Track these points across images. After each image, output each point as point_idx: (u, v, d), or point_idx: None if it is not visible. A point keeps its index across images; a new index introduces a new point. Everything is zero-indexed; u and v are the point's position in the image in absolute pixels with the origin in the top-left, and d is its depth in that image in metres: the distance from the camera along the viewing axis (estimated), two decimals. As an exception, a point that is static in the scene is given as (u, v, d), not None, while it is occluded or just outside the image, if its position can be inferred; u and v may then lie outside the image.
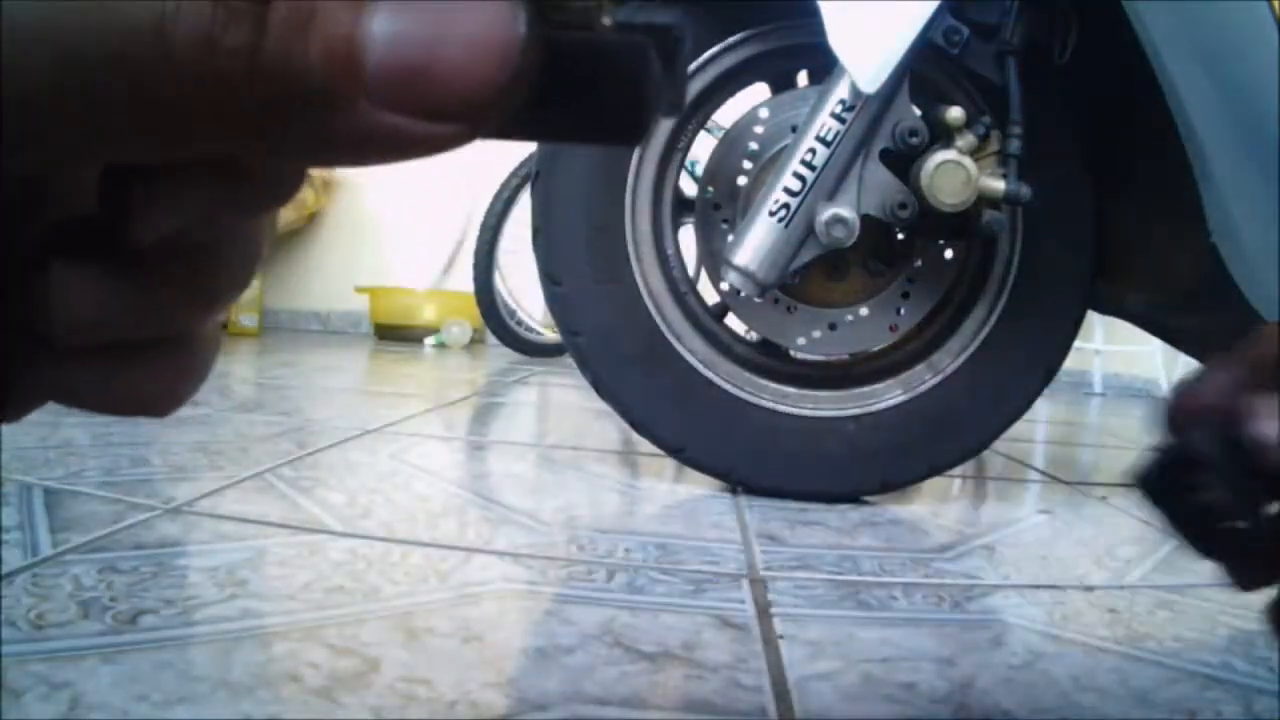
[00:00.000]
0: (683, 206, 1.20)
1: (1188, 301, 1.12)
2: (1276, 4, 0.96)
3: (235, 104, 0.14)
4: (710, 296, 1.21)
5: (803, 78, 1.23)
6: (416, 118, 0.14)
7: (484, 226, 3.22)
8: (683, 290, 1.18)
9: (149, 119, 0.14)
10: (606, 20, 0.15)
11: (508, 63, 0.14)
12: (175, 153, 0.16)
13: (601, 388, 1.15)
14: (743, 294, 1.10)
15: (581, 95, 0.14)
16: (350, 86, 0.13)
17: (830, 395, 1.18)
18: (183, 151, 0.16)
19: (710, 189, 1.16)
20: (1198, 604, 0.82)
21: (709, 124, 1.24)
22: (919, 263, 1.17)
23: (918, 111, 1.06)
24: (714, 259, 1.14)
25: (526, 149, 2.57)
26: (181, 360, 0.20)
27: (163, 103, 0.14)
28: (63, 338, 0.17)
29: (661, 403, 1.14)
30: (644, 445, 1.19)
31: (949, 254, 1.18)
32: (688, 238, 1.20)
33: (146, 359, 0.19)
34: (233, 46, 0.13)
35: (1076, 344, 1.22)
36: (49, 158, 0.14)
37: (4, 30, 0.13)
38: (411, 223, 4.06)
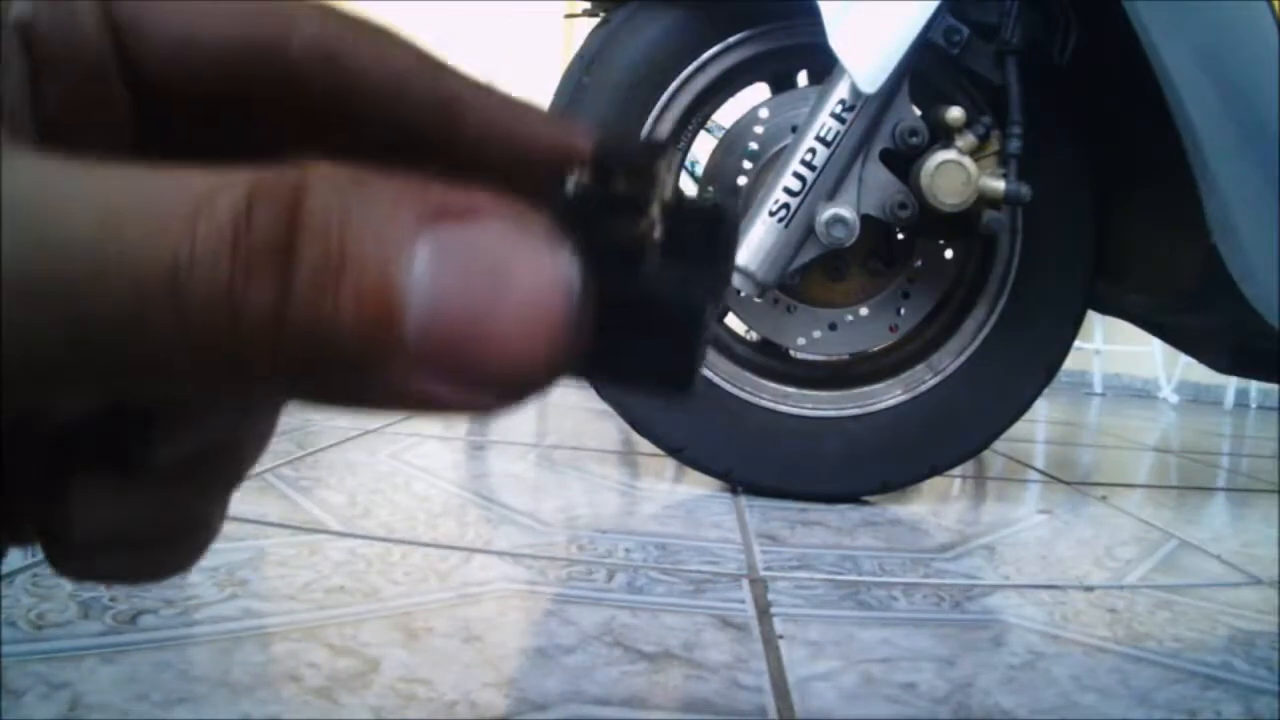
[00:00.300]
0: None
1: (1188, 301, 1.12)
2: (1277, 4, 0.96)
3: (257, 364, 0.12)
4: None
5: (803, 78, 1.23)
6: (459, 388, 0.12)
7: None
8: (683, 290, 1.18)
9: (161, 376, 0.13)
10: (655, 249, 0.14)
11: (563, 332, 0.12)
12: (192, 403, 0.15)
13: (601, 388, 1.15)
14: (743, 294, 1.10)
15: (631, 348, 0.13)
16: (386, 349, 0.12)
17: (830, 395, 1.18)
18: (199, 403, 0.15)
19: (710, 189, 1.16)
20: (1198, 604, 0.82)
21: (709, 124, 1.24)
22: (919, 263, 1.17)
23: (918, 111, 1.06)
24: (714, 259, 1.13)
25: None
26: (199, 537, 0.19)
27: (176, 361, 0.12)
28: (80, 542, 0.17)
29: (662, 403, 1.14)
30: (644, 445, 1.19)
31: (949, 254, 1.18)
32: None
33: (164, 544, 0.18)
34: (255, 303, 0.12)
35: (1076, 344, 1.22)
36: (53, 405, 0.13)
37: (2, 284, 0.12)
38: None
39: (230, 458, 0.18)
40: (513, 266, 0.12)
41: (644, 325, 0.13)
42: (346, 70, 0.16)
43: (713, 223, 0.15)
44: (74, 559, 0.17)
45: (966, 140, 1.01)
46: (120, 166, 0.13)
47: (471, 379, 0.12)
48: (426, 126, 0.16)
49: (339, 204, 0.12)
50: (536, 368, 0.12)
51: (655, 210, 0.14)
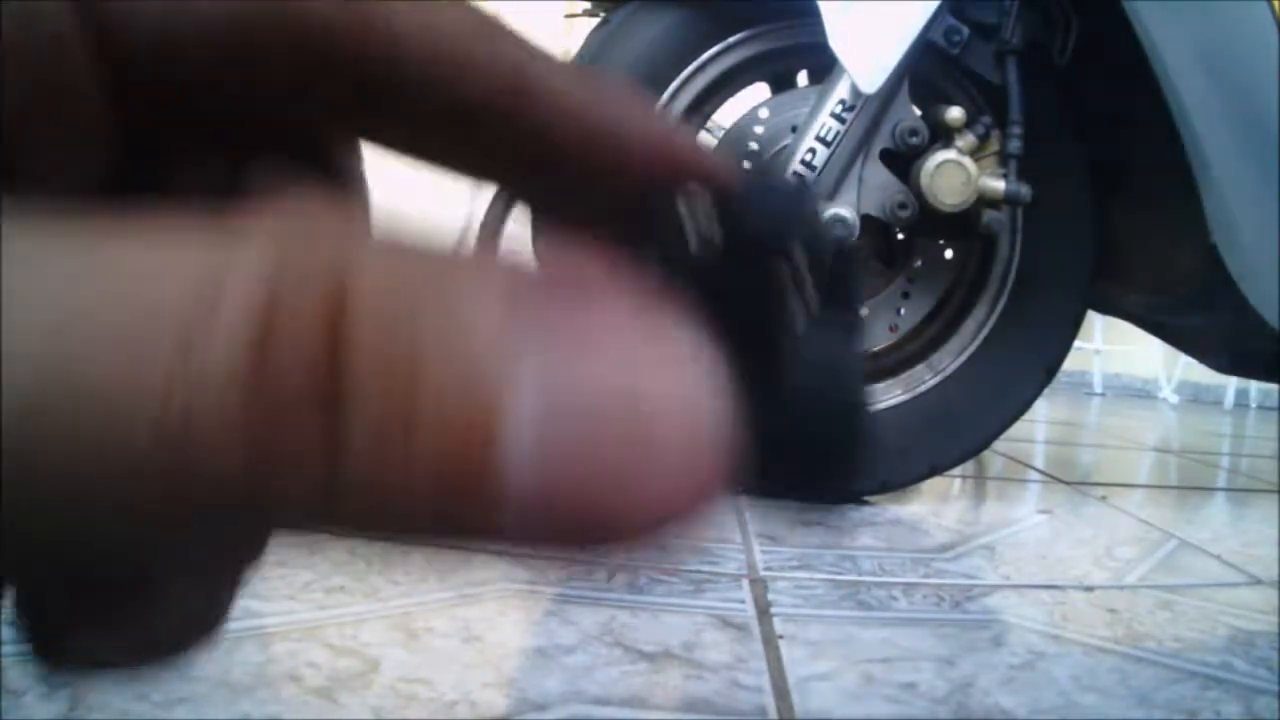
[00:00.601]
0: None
1: (1188, 301, 1.12)
2: (1277, 4, 0.96)
3: (293, 526, 0.09)
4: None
5: (803, 78, 1.23)
6: (576, 542, 0.09)
7: (484, 227, 3.22)
8: (683, 290, 1.18)
9: (152, 548, 0.09)
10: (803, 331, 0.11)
11: (717, 482, 0.09)
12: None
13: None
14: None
15: (783, 455, 0.11)
16: (478, 513, 0.09)
17: (830, 395, 1.18)
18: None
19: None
20: (1198, 604, 0.82)
21: (709, 124, 1.24)
22: (919, 263, 1.17)
23: (918, 111, 1.06)
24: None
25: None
26: (210, 624, 0.15)
27: (175, 532, 0.09)
28: (68, 653, 0.13)
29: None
30: (644, 445, 1.19)
31: (949, 254, 1.18)
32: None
33: (172, 641, 0.15)
34: (287, 474, 0.08)
35: (1076, 344, 1.22)
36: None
37: None
38: (411, 223, 4.06)
39: (248, 558, 0.15)
40: (654, 412, 0.09)
41: (798, 427, 0.11)
42: (379, 37, 0.12)
43: (843, 274, 0.12)
44: (64, 658, 0.14)
45: (966, 140, 1.01)
46: (69, 241, 0.08)
47: (586, 538, 0.09)
48: (483, 106, 0.13)
49: (400, 334, 0.08)
50: (679, 520, 0.09)
51: (809, 285, 0.11)
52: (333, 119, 0.14)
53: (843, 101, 1.01)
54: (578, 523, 0.09)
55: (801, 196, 0.12)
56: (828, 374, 0.11)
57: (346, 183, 0.15)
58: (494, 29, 0.13)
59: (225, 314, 0.08)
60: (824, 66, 1.06)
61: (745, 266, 0.11)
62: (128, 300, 0.08)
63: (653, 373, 0.09)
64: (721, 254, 0.11)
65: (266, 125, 0.14)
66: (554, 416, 0.08)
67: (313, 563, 0.73)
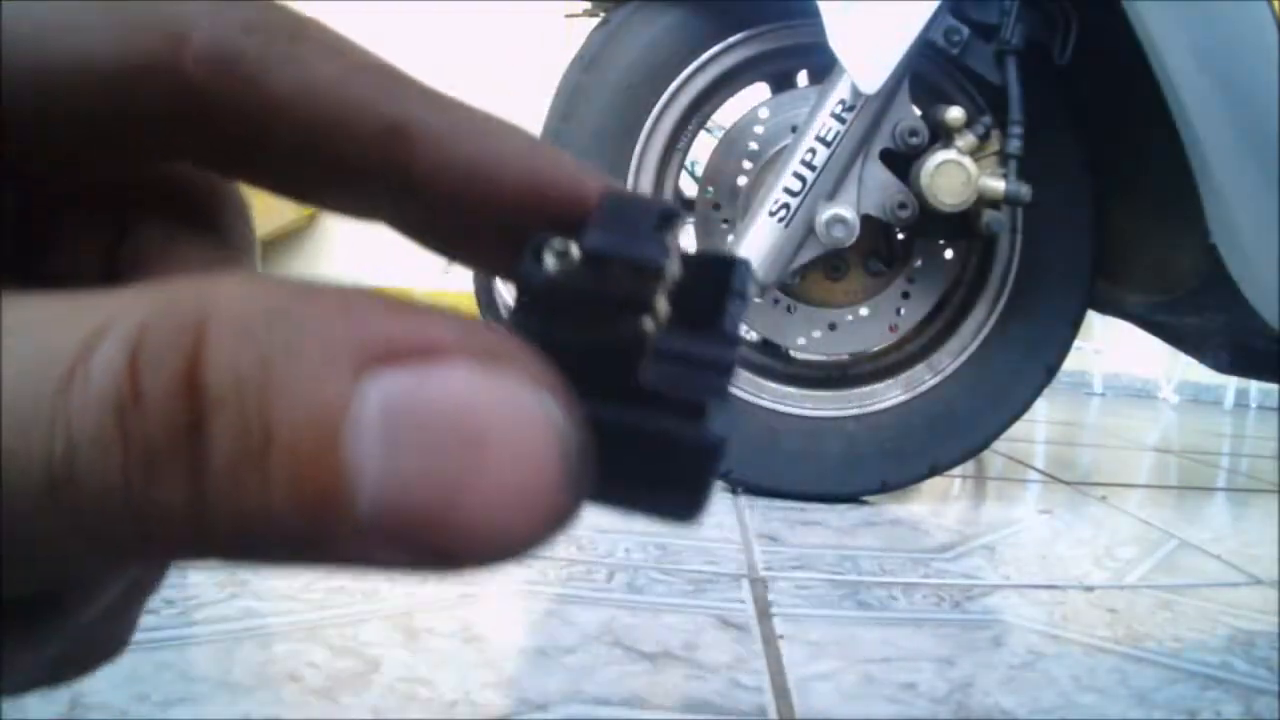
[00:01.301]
0: (683, 206, 1.20)
1: (1188, 301, 1.12)
2: (1277, 4, 0.96)
3: (175, 552, 0.10)
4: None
5: (803, 78, 1.23)
6: (427, 560, 0.10)
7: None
8: (683, 290, 1.18)
9: (55, 573, 0.10)
10: (656, 354, 0.11)
11: (555, 497, 0.10)
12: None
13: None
14: (743, 294, 1.10)
15: (632, 483, 0.11)
16: (333, 532, 0.09)
17: (830, 395, 1.18)
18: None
19: (710, 189, 1.16)
20: (1198, 604, 0.82)
21: (709, 124, 1.24)
22: (919, 263, 1.17)
23: (918, 111, 1.06)
24: (714, 259, 1.14)
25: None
26: (113, 646, 0.16)
27: (72, 559, 0.10)
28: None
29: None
30: (644, 445, 1.19)
31: (949, 254, 1.18)
32: (688, 238, 1.20)
33: (76, 664, 0.16)
34: (161, 501, 0.09)
35: (1076, 344, 1.22)
36: None
37: None
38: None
39: (145, 585, 0.16)
40: (486, 424, 0.09)
41: (647, 454, 0.11)
42: (254, 84, 0.12)
43: (723, 284, 0.12)
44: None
45: (966, 140, 1.01)
46: None
47: (442, 554, 0.10)
48: (365, 154, 0.13)
49: (253, 354, 0.09)
50: (522, 538, 0.10)
51: (662, 307, 0.11)
52: (207, 164, 0.14)
53: (843, 101, 1.01)
54: (427, 534, 0.09)
55: (665, 219, 0.12)
56: (673, 403, 0.11)
57: (227, 235, 0.15)
58: (376, 74, 0.13)
59: (94, 372, 0.09)
60: (824, 66, 1.06)
61: (598, 287, 0.11)
62: (20, 351, 0.09)
63: (485, 390, 0.09)
64: (575, 275, 0.11)
65: (142, 185, 0.15)
66: (394, 431, 0.09)
67: (313, 563, 0.73)
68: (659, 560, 0.83)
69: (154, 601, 0.61)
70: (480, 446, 0.09)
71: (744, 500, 1.13)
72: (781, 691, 0.57)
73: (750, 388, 1.17)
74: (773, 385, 1.18)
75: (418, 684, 0.53)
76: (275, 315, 0.09)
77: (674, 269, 0.12)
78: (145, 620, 0.52)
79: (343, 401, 0.09)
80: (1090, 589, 0.85)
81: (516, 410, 0.10)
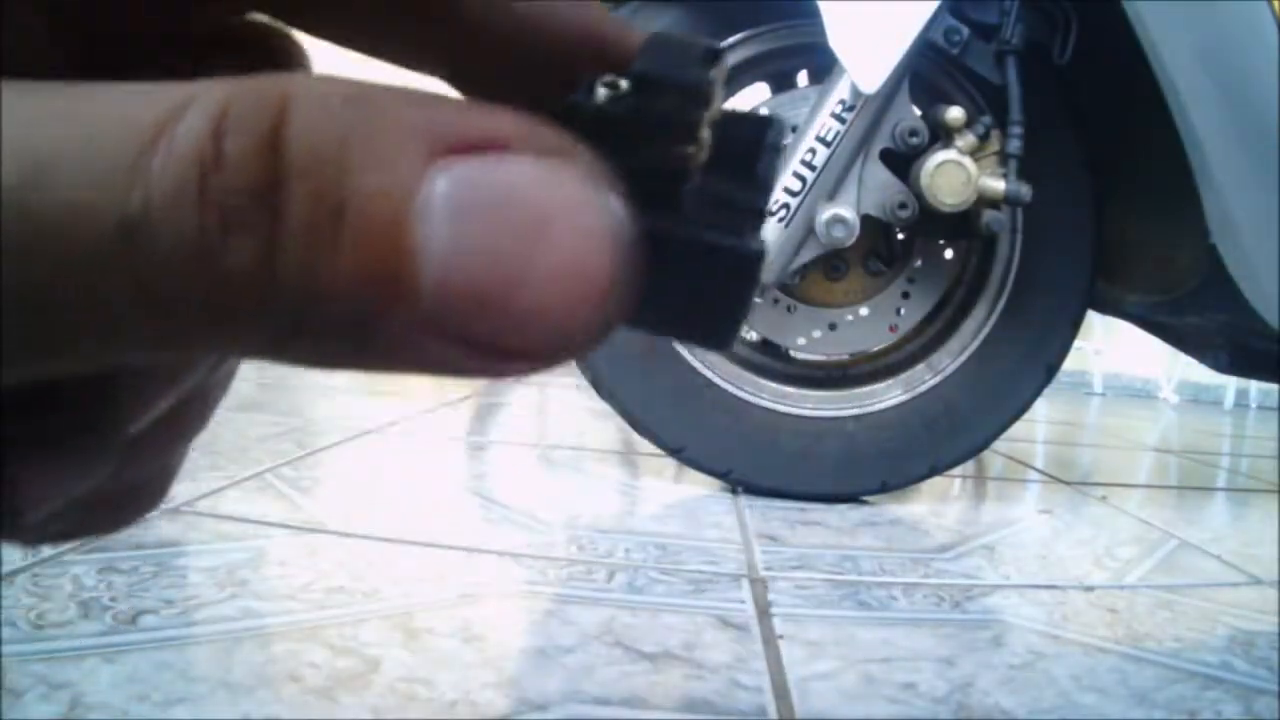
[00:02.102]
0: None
1: (1188, 301, 1.12)
2: (1277, 4, 0.96)
3: (238, 329, 0.10)
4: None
5: (803, 78, 1.23)
6: (481, 353, 0.10)
7: None
8: (683, 290, 1.18)
9: (120, 345, 0.10)
10: (700, 178, 0.12)
11: (609, 292, 0.10)
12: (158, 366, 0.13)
13: (601, 388, 1.15)
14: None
15: (674, 295, 0.11)
16: (396, 311, 0.10)
17: (830, 395, 1.18)
18: (166, 364, 0.13)
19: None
20: (1198, 604, 0.82)
21: (709, 124, 1.23)
22: (919, 263, 1.17)
23: (918, 111, 1.06)
24: (714, 259, 1.14)
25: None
26: (157, 491, 0.17)
27: (137, 330, 0.10)
28: (30, 522, 0.14)
29: (661, 403, 1.14)
30: (644, 445, 1.19)
31: (949, 254, 1.18)
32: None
33: (120, 504, 0.16)
34: (233, 262, 0.09)
35: (1076, 344, 1.22)
36: None
37: None
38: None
39: (197, 409, 0.16)
40: (549, 214, 0.10)
41: (691, 271, 0.11)
42: None
43: (758, 138, 0.13)
44: (23, 531, 0.15)
45: (966, 140, 1.01)
46: (45, 87, 0.10)
47: (497, 345, 0.10)
48: None
49: (333, 130, 0.09)
50: (574, 334, 0.10)
51: (705, 134, 0.12)
52: (271, 10, 0.14)
53: (843, 101, 1.01)
54: (485, 316, 0.10)
55: (711, 54, 0.12)
56: (714, 224, 0.11)
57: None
58: None
59: (180, 136, 0.09)
60: (824, 66, 1.06)
61: (647, 111, 0.12)
62: (90, 131, 0.09)
63: (548, 177, 0.10)
64: (624, 101, 0.12)
65: (211, 36, 0.15)
66: (461, 213, 0.10)
67: (313, 563, 0.73)
68: (659, 560, 0.83)
69: (154, 601, 0.61)
70: (542, 232, 0.10)
71: (744, 500, 1.13)
72: (781, 691, 0.57)
73: (750, 388, 1.17)
74: (773, 385, 1.18)
75: (418, 684, 0.53)
76: (354, 99, 0.10)
77: (719, 99, 0.12)
78: (145, 620, 0.52)
79: (414, 182, 0.09)
80: (1090, 589, 0.85)
81: (577, 200, 0.10)
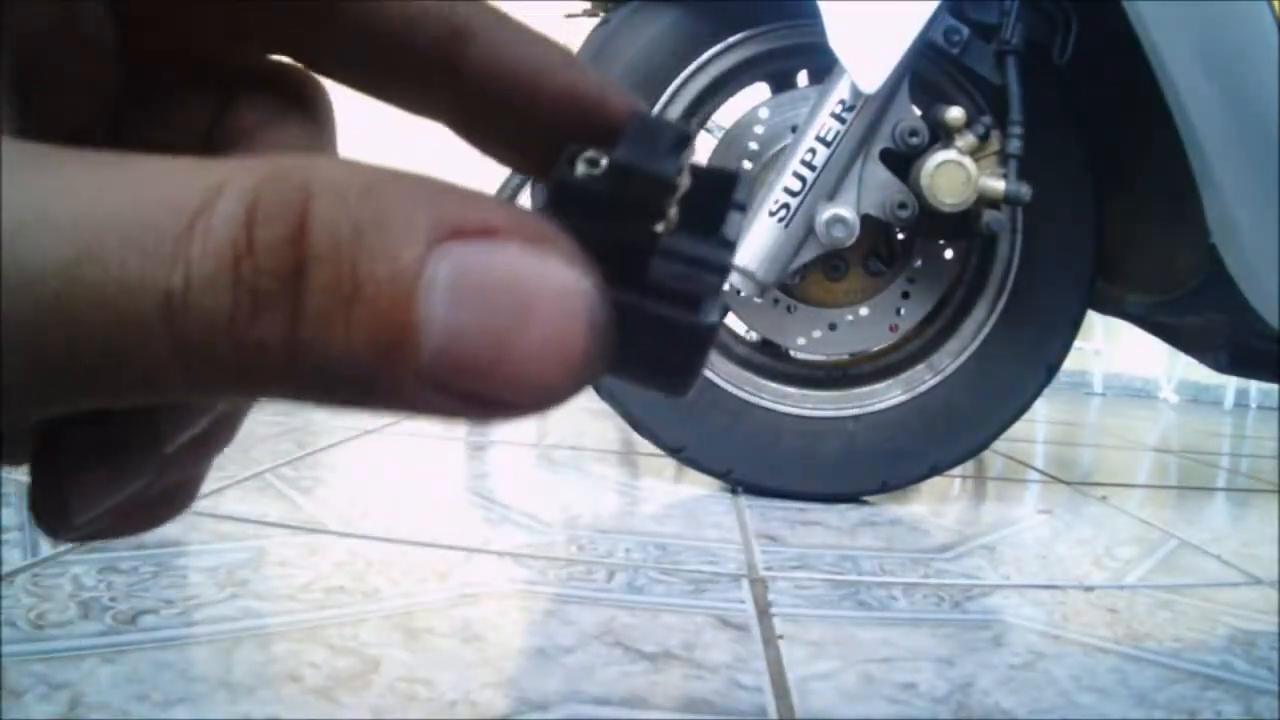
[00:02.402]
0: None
1: (1188, 301, 1.12)
2: (1277, 4, 0.96)
3: (263, 385, 0.12)
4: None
5: (803, 78, 1.23)
6: (473, 407, 0.12)
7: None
8: (683, 290, 1.18)
9: (157, 394, 0.12)
10: (664, 251, 0.14)
11: (585, 359, 0.12)
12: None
13: (601, 388, 1.15)
14: (743, 294, 1.10)
15: (637, 353, 0.13)
16: (400, 374, 0.11)
17: (830, 395, 1.18)
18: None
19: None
20: (1198, 604, 0.82)
21: (709, 124, 1.24)
22: (919, 263, 1.17)
23: (918, 111, 1.06)
24: (714, 259, 1.14)
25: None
26: (187, 496, 0.19)
27: (174, 384, 0.11)
28: (76, 524, 0.16)
29: (661, 403, 1.14)
30: (644, 445, 1.19)
31: (949, 254, 1.18)
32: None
33: (153, 508, 0.18)
34: (261, 334, 0.11)
35: (1076, 344, 1.22)
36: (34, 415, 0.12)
37: None
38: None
39: (226, 428, 0.18)
40: (534, 291, 0.11)
41: (654, 339, 0.13)
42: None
43: (724, 198, 0.15)
44: (68, 530, 0.17)
45: (966, 140, 1.01)
46: (97, 163, 0.11)
47: (487, 401, 0.12)
48: (430, 51, 0.16)
49: (348, 220, 0.11)
50: (555, 391, 0.12)
51: (673, 213, 0.14)
52: (296, 55, 0.16)
53: (843, 101, 1.01)
54: (477, 379, 0.11)
55: (680, 139, 0.14)
56: (675, 294, 0.13)
57: (316, 114, 0.18)
58: None
59: (217, 222, 0.11)
60: (824, 66, 1.06)
61: (621, 194, 0.13)
62: (137, 213, 0.11)
63: (533, 264, 0.12)
64: (600, 181, 0.13)
65: (242, 69, 0.17)
66: (456, 293, 0.11)
67: (313, 563, 0.73)
68: (659, 560, 0.83)
69: (154, 601, 0.61)
70: (527, 310, 0.11)
71: (744, 500, 1.13)
72: (781, 691, 0.57)
73: (750, 388, 1.17)
74: (773, 385, 1.18)
75: (418, 684, 0.53)
76: (368, 190, 0.11)
77: (685, 183, 0.14)
78: (145, 620, 0.53)
79: (418, 266, 0.11)
80: (1090, 589, 0.85)
81: (558, 283, 0.12)
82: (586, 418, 1.79)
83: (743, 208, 0.15)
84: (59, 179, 0.11)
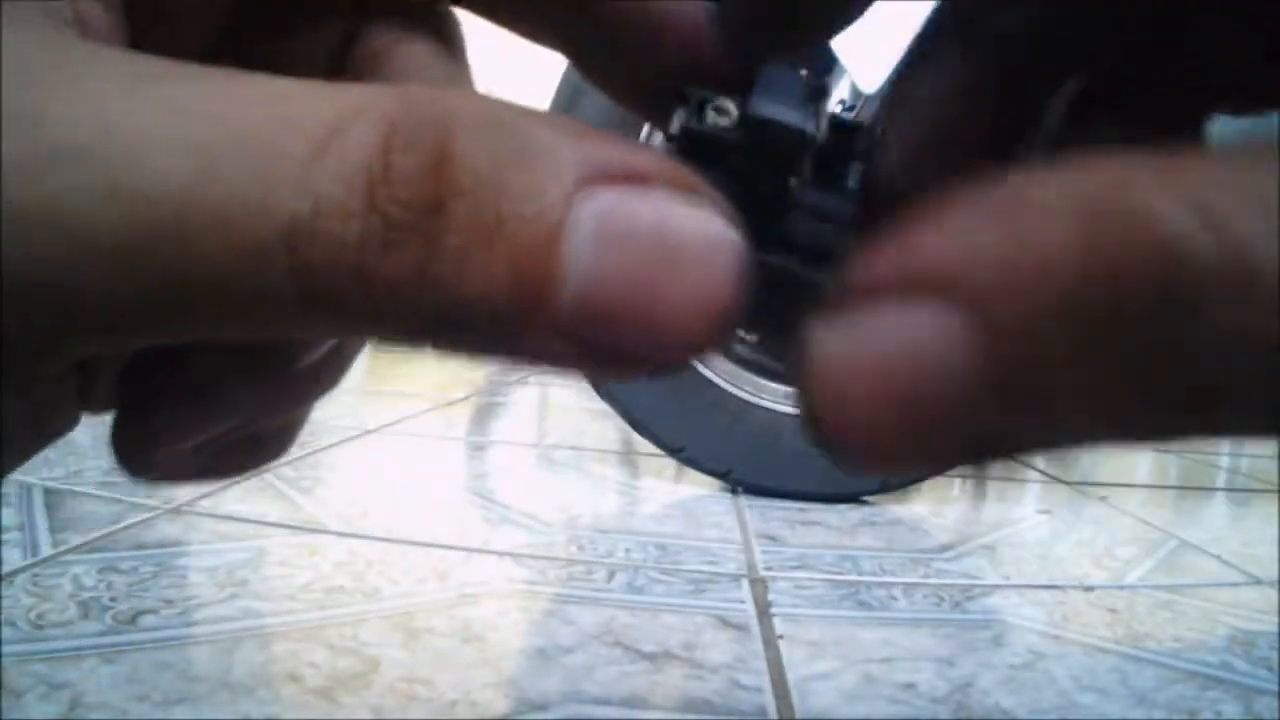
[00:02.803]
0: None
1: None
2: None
3: (388, 325, 0.11)
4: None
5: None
6: (608, 361, 0.11)
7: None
8: (683, 290, 1.18)
9: (272, 330, 0.11)
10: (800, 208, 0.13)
11: (729, 315, 0.11)
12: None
13: (601, 388, 1.15)
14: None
15: (760, 312, 0.12)
16: (536, 320, 0.11)
17: (830, 395, 1.18)
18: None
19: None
20: (1198, 604, 0.82)
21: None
22: (919, 263, 1.17)
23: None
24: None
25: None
26: (282, 441, 0.18)
27: (290, 320, 0.11)
28: (155, 463, 0.16)
29: (661, 403, 1.14)
30: (644, 445, 1.19)
31: (949, 254, 1.18)
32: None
33: (248, 450, 0.18)
34: (392, 270, 0.10)
35: (1076, 344, 1.21)
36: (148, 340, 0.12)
37: (84, 256, 0.10)
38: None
39: (331, 369, 0.18)
40: (683, 241, 0.11)
41: (785, 296, 0.13)
42: None
43: (848, 150, 0.14)
44: (146, 469, 0.16)
45: (966, 140, 1.01)
46: (217, 75, 0.10)
47: (619, 354, 0.11)
48: None
49: (491, 155, 0.10)
50: (694, 345, 0.11)
51: (807, 169, 0.13)
52: None
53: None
54: (614, 328, 0.11)
55: (816, 91, 0.13)
56: (809, 251, 0.13)
57: (448, 43, 0.17)
58: None
59: (350, 147, 0.10)
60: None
61: (756, 145, 0.13)
62: (261, 134, 0.10)
63: (682, 213, 0.11)
64: (734, 131, 0.13)
65: None
66: (605, 236, 0.10)
67: (313, 563, 0.73)
68: (659, 560, 0.83)
69: (154, 601, 0.61)
70: (675, 259, 0.11)
71: (744, 500, 1.13)
72: (781, 691, 0.57)
73: (750, 388, 1.17)
74: (773, 385, 1.18)
75: (418, 684, 0.53)
76: (511, 126, 0.11)
77: (822, 137, 0.13)
78: (145, 620, 0.53)
79: (564, 207, 0.10)
80: (1090, 589, 0.85)
81: (708, 233, 0.11)
82: (586, 418, 1.79)
83: (866, 158, 0.14)
84: (180, 96, 0.10)
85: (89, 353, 0.11)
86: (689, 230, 0.11)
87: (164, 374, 0.15)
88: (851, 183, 0.14)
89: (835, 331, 0.10)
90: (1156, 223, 0.08)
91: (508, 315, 0.11)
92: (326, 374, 0.18)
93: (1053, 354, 0.09)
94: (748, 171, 0.13)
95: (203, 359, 0.15)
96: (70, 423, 0.16)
